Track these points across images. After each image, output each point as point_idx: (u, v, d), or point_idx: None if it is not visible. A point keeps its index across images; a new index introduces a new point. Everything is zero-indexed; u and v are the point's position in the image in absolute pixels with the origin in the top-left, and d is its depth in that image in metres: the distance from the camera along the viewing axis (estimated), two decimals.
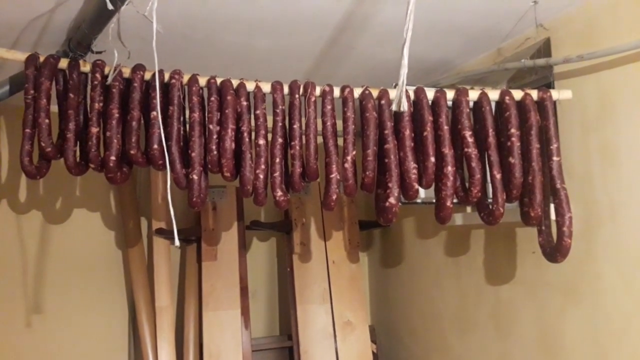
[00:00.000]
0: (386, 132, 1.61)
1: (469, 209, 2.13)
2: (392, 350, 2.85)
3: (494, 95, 1.67)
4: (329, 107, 1.63)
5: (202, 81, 1.62)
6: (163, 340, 2.46)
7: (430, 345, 2.55)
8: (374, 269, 3.09)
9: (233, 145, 1.57)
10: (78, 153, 1.59)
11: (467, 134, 1.61)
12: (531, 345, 1.92)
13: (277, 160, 1.60)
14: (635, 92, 1.55)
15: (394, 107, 1.50)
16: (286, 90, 1.65)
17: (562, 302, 1.79)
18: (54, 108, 1.58)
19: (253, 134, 1.60)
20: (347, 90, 1.65)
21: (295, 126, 1.61)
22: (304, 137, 1.62)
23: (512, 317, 2.01)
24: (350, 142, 1.60)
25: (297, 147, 1.61)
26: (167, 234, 2.56)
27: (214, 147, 1.57)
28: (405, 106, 1.32)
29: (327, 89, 1.64)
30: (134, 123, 1.55)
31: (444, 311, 2.44)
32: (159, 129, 1.50)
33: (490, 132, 1.62)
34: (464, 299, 2.30)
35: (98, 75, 1.57)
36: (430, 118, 1.61)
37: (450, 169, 1.58)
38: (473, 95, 1.67)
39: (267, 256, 2.97)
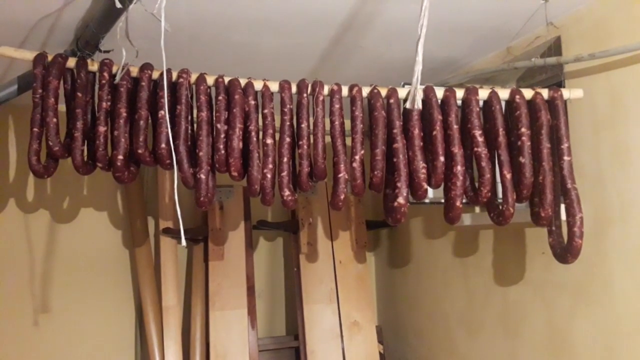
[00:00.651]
0: (395, 131, 1.59)
1: (477, 209, 2.11)
2: (399, 350, 2.84)
3: (504, 94, 1.66)
4: (337, 106, 1.62)
5: (210, 80, 1.61)
6: (170, 339, 2.46)
7: (438, 346, 2.54)
8: (381, 269, 3.08)
9: (241, 144, 1.56)
10: (86, 152, 1.59)
11: (477, 133, 1.59)
12: (540, 346, 1.90)
13: (285, 159, 1.59)
14: None
15: (407, 105, 1.49)
16: (294, 89, 1.64)
17: (571, 303, 1.77)
18: (62, 107, 1.57)
19: (261, 133, 1.59)
20: (355, 89, 1.63)
21: (303, 125, 1.60)
22: (311, 136, 1.61)
23: (521, 318, 1.99)
24: (358, 142, 1.59)
25: (305, 147, 1.60)
26: (174, 233, 2.56)
27: (221, 146, 1.56)
28: (419, 103, 1.30)
29: (335, 87, 1.63)
30: (141, 122, 1.54)
31: (452, 312, 2.42)
32: (167, 128, 1.49)
33: (501, 131, 1.61)
34: (471, 300, 2.28)
35: (106, 75, 1.56)
36: (440, 117, 1.60)
37: (459, 168, 1.57)
38: (483, 94, 1.65)
39: (273, 256, 2.96)
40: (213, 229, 2.61)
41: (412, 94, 1.29)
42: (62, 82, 1.57)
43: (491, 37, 1.95)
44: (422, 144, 1.59)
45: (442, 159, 1.57)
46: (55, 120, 1.53)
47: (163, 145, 1.52)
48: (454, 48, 2.06)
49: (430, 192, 1.76)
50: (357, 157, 1.58)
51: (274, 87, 1.63)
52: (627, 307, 1.58)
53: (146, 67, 1.58)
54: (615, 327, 1.62)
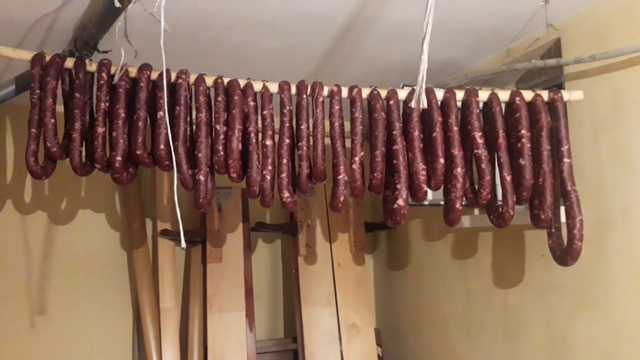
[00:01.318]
0: (395, 132, 1.59)
1: (476, 211, 2.10)
2: (398, 353, 2.83)
3: (504, 95, 1.65)
4: (336, 107, 1.61)
5: (209, 81, 1.60)
6: (167, 341, 2.45)
7: (436, 348, 2.53)
8: (379, 271, 3.07)
9: (240, 145, 1.56)
10: (84, 153, 1.58)
11: (477, 135, 1.59)
12: (540, 350, 1.89)
13: (284, 161, 1.58)
14: None
15: (412, 104, 1.49)
16: (294, 90, 1.63)
17: (571, 306, 1.76)
18: (60, 108, 1.56)
19: (260, 134, 1.59)
20: (355, 90, 1.63)
21: (302, 127, 1.59)
22: (311, 137, 1.60)
23: (520, 321, 1.99)
24: (358, 143, 1.58)
25: (305, 148, 1.59)
26: (172, 235, 2.55)
27: (220, 147, 1.55)
28: (425, 103, 1.30)
29: (335, 89, 1.63)
30: (140, 123, 1.53)
31: (451, 314, 2.42)
32: (166, 129, 1.48)
33: (501, 133, 1.60)
34: (471, 302, 2.28)
35: (104, 75, 1.56)
36: (440, 119, 1.59)
37: (459, 170, 1.56)
38: (483, 95, 1.65)
39: (272, 258, 2.95)
40: (211, 230, 2.60)
41: (417, 93, 1.28)
42: (60, 82, 1.56)
43: (491, 38, 1.95)
44: (422, 145, 1.58)
45: (442, 160, 1.57)
46: (53, 120, 1.52)
47: (162, 147, 1.51)
48: (454, 49, 2.06)
49: (430, 194, 1.75)
50: (356, 159, 1.57)
51: (273, 88, 1.62)
52: (628, 310, 1.58)
53: (145, 67, 1.57)
54: (615, 331, 1.61)
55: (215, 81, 1.60)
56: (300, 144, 1.59)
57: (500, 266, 2.12)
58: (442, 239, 2.47)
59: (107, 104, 1.55)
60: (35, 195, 2.54)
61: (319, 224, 2.74)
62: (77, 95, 1.55)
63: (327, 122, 1.61)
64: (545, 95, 1.64)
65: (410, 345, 2.74)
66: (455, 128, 1.59)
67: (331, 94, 1.62)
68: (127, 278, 2.67)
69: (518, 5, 1.69)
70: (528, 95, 1.64)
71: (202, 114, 1.56)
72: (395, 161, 1.57)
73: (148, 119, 1.57)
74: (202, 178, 1.54)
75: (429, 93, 1.61)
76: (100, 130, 1.53)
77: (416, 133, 1.58)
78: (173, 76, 1.57)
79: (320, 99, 1.61)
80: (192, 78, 1.59)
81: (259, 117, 1.60)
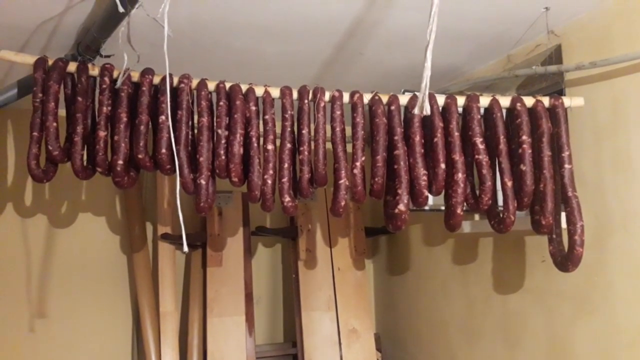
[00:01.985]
0: (396, 138, 1.59)
1: (477, 216, 2.11)
2: (398, 358, 2.82)
3: (505, 101, 1.66)
4: (338, 112, 1.62)
5: (211, 86, 1.61)
6: (167, 345, 2.44)
7: (436, 354, 2.52)
8: (379, 276, 3.07)
9: (241, 150, 1.56)
10: (85, 157, 1.58)
11: (478, 140, 1.59)
12: (540, 356, 1.89)
13: (286, 165, 1.58)
14: None
15: (416, 110, 1.49)
16: (295, 95, 1.64)
17: (572, 312, 1.76)
18: (62, 112, 1.57)
19: (261, 139, 1.59)
20: (356, 95, 1.63)
21: (304, 131, 1.60)
22: (312, 142, 1.60)
23: (521, 327, 1.99)
24: (359, 148, 1.59)
25: (306, 153, 1.59)
26: (172, 239, 2.55)
27: (222, 152, 1.55)
28: (428, 109, 1.30)
29: (336, 94, 1.63)
30: (142, 127, 1.54)
31: (451, 320, 2.41)
32: (168, 133, 1.49)
33: (502, 139, 1.61)
34: (471, 308, 2.27)
35: (107, 79, 1.56)
36: (441, 124, 1.60)
37: (460, 175, 1.57)
38: (484, 101, 1.65)
39: (272, 262, 2.95)
40: (212, 235, 2.60)
41: (420, 100, 1.29)
42: (62, 86, 1.57)
43: (492, 44, 1.96)
44: (423, 151, 1.59)
45: (443, 166, 1.57)
46: (55, 124, 1.52)
47: (164, 151, 1.52)
48: (455, 55, 2.07)
49: (431, 199, 1.75)
50: (357, 164, 1.58)
51: (275, 93, 1.63)
52: (628, 316, 1.58)
53: (147, 72, 1.58)
54: (616, 337, 1.61)
55: (217, 86, 1.61)
56: (301, 148, 1.60)
57: (500, 272, 2.11)
58: (443, 244, 2.47)
59: (109, 108, 1.55)
60: (35, 199, 2.54)
61: (319, 229, 2.74)
62: (80, 99, 1.56)
63: (328, 127, 1.61)
64: (546, 101, 1.65)
65: (410, 350, 2.74)
66: (456, 134, 1.60)
67: (333, 99, 1.63)
68: (127, 282, 2.67)
69: (519, 12, 1.70)
70: (529, 101, 1.65)
71: (204, 119, 1.57)
72: (396, 166, 1.58)
73: (150, 123, 1.57)
74: (203, 182, 1.55)
75: (430, 99, 1.62)
76: (102, 134, 1.54)
77: (417, 138, 1.58)
78: (175, 81, 1.58)
79: (322, 104, 1.62)
80: (194, 83, 1.60)
81: (261, 122, 1.60)
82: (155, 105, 1.57)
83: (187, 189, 1.56)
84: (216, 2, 1.59)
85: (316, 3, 1.60)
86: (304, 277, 2.65)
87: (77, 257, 2.58)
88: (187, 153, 1.56)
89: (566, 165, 1.59)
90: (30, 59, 1.56)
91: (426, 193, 1.57)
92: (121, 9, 1.30)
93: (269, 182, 1.56)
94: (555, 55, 1.81)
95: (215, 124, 1.59)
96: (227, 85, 1.61)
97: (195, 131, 1.60)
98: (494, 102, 1.64)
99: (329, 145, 1.61)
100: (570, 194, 1.57)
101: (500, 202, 1.64)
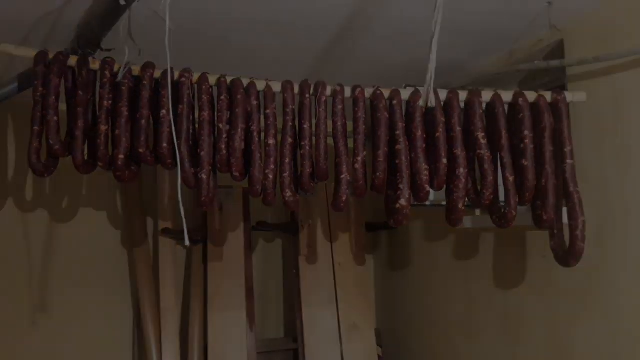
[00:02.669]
0: (397, 132, 1.59)
1: (478, 211, 2.10)
2: (398, 354, 2.83)
3: (507, 96, 1.65)
4: (339, 107, 1.61)
5: (212, 80, 1.60)
6: (167, 341, 2.45)
7: (437, 349, 2.53)
8: (380, 271, 3.07)
9: (243, 144, 1.56)
10: (86, 151, 1.58)
11: (480, 135, 1.59)
12: (541, 352, 1.89)
13: (287, 160, 1.58)
14: None
15: (420, 103, 1.49)
16: (297, 89, 1.63)
17: (573, 308, 1.76)
18: (63, 106, 1.56)
19: (263, 133, 1.59)
20: (358, 90, 1.63)
21: (305, 126, 1.59)
22: (314, 137, 1.60)
23: (522, 323, 1.99)
24: (360, 143, 1.58)
25: (307, 147, 1.59)
26: (173, 234, 2.55)
27: (223, 146, 1.55)
28: (433, 102, 1.30)
29: (338, 88, 1.63)
30: (143, 121, 1.53)
31: (452, 315, 2.41)
32: (169, 127, 1.48)
33: (503, 133, 1.60)
34: (472, 303, 2.28)
35: (107, 73, 1.55)
36: (443, 119, 1.59)
37: (462, 170, 1.56)
38: (486, 96, 1.65)
39: (272, 257, 2.95)
40: (212, 230, 2.60)
41: (425, 93, 1.29)
42: (63, 80, 1.56)
43: (494, 39, 1.95)
44: (424, 145, 1.58)
45: (444, 161, 1.57)
46: (55, 118, 1.52)
47: (165, 145, 1.52)
48: (456, 50, 2.06)
49: (432, 194, 1.75)
50: (359, 159, 1.57)
51: (276, 87, 1.62)
52: (630, 312, 1.58)
53: (148, 66, 1.57)
54: (618, 333, 1.61)
55: (219, 80, 1.60)
56: (303, 143, 1.59)
57: (501, 267, 2.12)
58: (444, 239, 2.47)
59: (110, 102, 1.55)
60: (36, 193, 2.54)
61: (320, 224, 2.74)
62: (80, 93, 1.55)
63: (329, 122, 1.61)
64: (548, 96, 1.64)
65: (410, 345, 2.74)
66: (458, 128, 1.59)
67: (334, 94, 1.62)
68: (128, 277, 2.67)
69: (521, 6, 1.69)
70: (531, 96, 1.64)
71: (205, 113, 1.56)
72: (397, 161, 1.57)
73: (151, 118, 1.57)
74: (204, 177, 1.54)
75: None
76: (103, 128, 1.53)
77: (419, 133, 1.58)
78: (176, 75, 1.57)
79: (323, 99, 1.61)
80: (196, 77, 1.59)
81: (262, 116, 1.60)
82: (156, 99, 1.56)
83: (189, 183, 1.56)
84: None
85: None
86: (305, 273, 2.66)
87: (77, 251, 2.58)
88: (188, 147, 1.55)
89: (568, 161, 1.58)
90: (30, 53, 1.55)
91: (427, 188, 1.57)
92: (122, 2, 1.29)
93: (270, 176, 1.56)
94: (558, 50, 1.80)
95: (216, 118, 1.58)
96: (229, 79, 1.60)
97: (197, 125, 1.60)
98: (496, 97, 1.64)
99: (330, 140, 1.61)
100: (572, 189, 1.57)
101: (502, 197, 1.63)
